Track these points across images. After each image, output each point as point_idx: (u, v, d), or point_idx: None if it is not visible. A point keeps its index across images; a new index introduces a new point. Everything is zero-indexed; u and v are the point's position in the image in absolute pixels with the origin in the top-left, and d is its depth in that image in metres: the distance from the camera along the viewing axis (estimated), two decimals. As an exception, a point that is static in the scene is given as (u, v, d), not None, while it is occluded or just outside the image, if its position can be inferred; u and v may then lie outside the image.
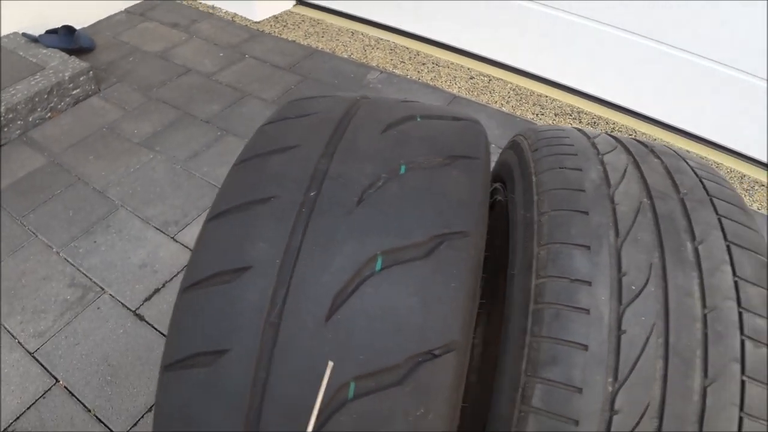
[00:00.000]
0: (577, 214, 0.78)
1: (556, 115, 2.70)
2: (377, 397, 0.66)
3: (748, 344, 0.70)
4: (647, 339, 0.69)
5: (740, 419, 0.66)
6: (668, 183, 0.86)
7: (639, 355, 0.68)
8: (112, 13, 3.15)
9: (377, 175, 0.79)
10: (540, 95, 2.81)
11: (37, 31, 2.78)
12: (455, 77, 2.85)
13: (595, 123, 2.70)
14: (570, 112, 2.73)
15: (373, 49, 3.01)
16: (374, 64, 2.88)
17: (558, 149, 0.91)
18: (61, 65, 2.53)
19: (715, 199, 0.85)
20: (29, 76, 2.44)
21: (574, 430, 0.66)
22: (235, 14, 3.19)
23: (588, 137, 0.97)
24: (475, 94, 2.76)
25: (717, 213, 0.83)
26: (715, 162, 2.61)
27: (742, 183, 2.49)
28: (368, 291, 0.69)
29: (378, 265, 0.70)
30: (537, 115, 2.69)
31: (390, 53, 2.98)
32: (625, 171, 0.86)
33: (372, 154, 0.83)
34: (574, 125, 2.66)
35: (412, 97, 2.71)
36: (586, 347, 0.68)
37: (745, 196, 2.46)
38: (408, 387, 0.66)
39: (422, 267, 0.71)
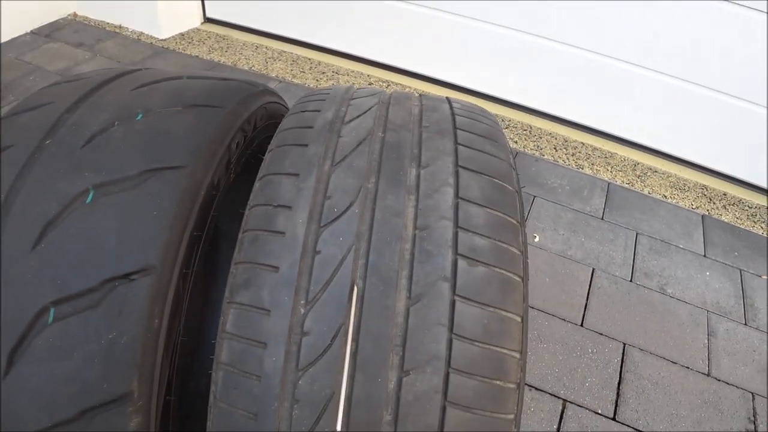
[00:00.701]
0: (296, 147, 0.80)
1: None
2: (73, 321, 0.67)
3: (462, 263, 0.69)
4: (343, 259, 0.68)
5: (450, 341, 0.65)
6: (411, 118, 0.87)
7: (332, 276, 0.67)
8: (18, 35, 3.15)
9: (111, 122, 0.82)
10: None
11: (-67, 54, 2.77)
12: (354, 83, 2.91)
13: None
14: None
15: (275, 61, 3.05)
16: (274, 75, 2.92)
17: (311, 98, 0.93)
18: (-47, 84, 2.52)
19: (459, 131, 0.85)
20: None
21: (263, 354, 0.65)
22: (141, 33, 3.22)
23: (360, 90, 0.99)
24: None
25: (456, 142, 0.82)
26: (610, 151, 2.68)
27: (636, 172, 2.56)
28: (73, 221, 0.71)
29: (89, 198, 0.72)
30: (434, 115, 2.74)
31: (292, 64, 3.03)
32: (368, 110, 0.88)
33: (114, 106, 0.86)
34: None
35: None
36: (276, 268, 0.68)
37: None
38: (103, 309, 0.68)
39: (128, 197, 0.73)
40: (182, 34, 3.23)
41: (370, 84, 2.91)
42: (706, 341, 1.94)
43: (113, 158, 0.76)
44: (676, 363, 1.84)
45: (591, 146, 2.72)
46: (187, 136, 0.80)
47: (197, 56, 3.06)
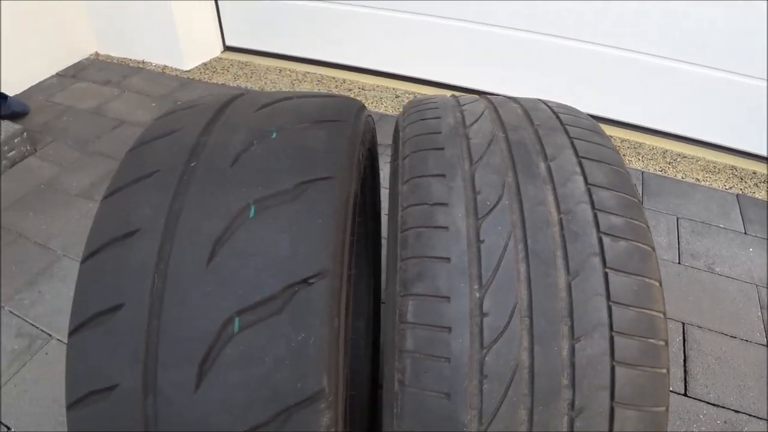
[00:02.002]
0: (433, 151, 0.86)
1: (481, 119, 2.82)
2: (260, 327, 0.71)
3: (606, 239, 0.77)
4: (506, 245, 0.75)
5: (609, 308, 0.72)
6: (523, 119, 0.95)
7: (499, 261, 0.74)
8: (44, 78, 3.21)
9: (249, 141, 0.87)
10: (464, 103, 2.93)
11: (-32, 102, 2.83)
12: (381, 98, 2.98)
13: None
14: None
15: (300, 82, 3.12)
16: (303, 95, 2.99)
17: (422, 106, 1.00)
18: (-6, 131, 2.58)
19: (568, 127, 0.94)
20: (-38, 144, 2.48)
21: (449, 338, 0.72)
22: (165, 66, 3.29)
23: (456, 97, 1.06)
24: (401, 110, 2.87)
25: (569, 136, 0.91)
26: (638, 141, 2.75)
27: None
28: (243, 234, 0.75)
29: (252, 212, 0.77)
30: (463, 121, 2.80)
31: (317, 84, 3.09)
32: (482, 114, 0.95)
33: (246, 126, 0.91)
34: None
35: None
36: (448, 259, 0.75)
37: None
38: (287, 314, 0.72)
39: (290, 208, 0.78)
40: (205, 64, 3.30)
41: (397, 97, 2.97)
42: (760, 314, 1.99)
43: (266, 174, 0.81)
44: (735, 337, 1.90)
45: (619, 138, 2.79)
46: (328, 149, 0.86)
47: (224, 84, 3.13)
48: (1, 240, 2.19)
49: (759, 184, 2.60)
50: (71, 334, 0.77)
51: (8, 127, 2.60)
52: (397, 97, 2.98)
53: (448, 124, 0.91)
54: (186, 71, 3.25)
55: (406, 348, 0.73)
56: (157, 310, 0.72)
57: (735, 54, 2.47)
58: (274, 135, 0.88)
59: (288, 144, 0.86)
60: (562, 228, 0.78)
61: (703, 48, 2.50)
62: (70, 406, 0.76)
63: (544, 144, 0.89)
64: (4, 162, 2.57)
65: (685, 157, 2.73)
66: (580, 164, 0.86)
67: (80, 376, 0.75)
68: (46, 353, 1.82)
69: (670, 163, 2.68)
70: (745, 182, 2.61)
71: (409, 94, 3.00)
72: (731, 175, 2.65)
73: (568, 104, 1.08)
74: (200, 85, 3.13)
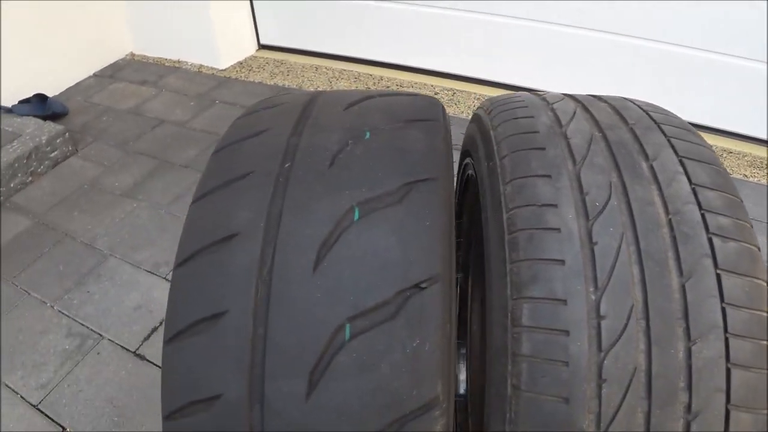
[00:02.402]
0: (535, 150, 0.83)
1: (522, 116, 2.79)
2: (373, 334, 0.69)
3: (716, 240, 0.75)
4: (619, 247, 0.73)
5: (723, 309, 0.70)
6: (616, 117, 0.92)
7: (614, 263, 0.72)
8: (82, 78, 3.23)
9: (344, 141, 0.85)
10: (504, 100, 2.90)
11: (10, 102, 2.85)
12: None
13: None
14: (535, 112, 2.82)
15: (338, 80, 3.11)
16: (341, 93, 2.97)
17: (510, 105, 0.97)
18: (37, 130, 2.59)
19: (662, 125, 0.91)
20: (7, 144, 2.49)
21: (566, 341, 0.70)
22: (201, 65, 3.29)
23: (538, 95, 1.04)
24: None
25: (666, 135, 0.89)
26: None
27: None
28: (350, 238, 0.73)
29: (356, 215, 0.75)
30: (504, 118, 2.77)
31: (355, 82, 3.08)
32: (575, 113, 0.92)
33: (338, 126, 0.89)
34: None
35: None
36: (562, 262, 0.72)
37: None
38: (401, 320, 0.69)
39: (397, 211, 0.75)
40: (240, 63, 3.30)
41: (436, 94, 2.95)
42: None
43: (367, 175, 0.79)
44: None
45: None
46: (426, 150, 0.83)
47: (261, 82, 3.12)
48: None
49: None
50: (168, 342, 0.75)
51: (50, 127, 2.62)
52: (436, 94, 2.95)
53: (544, 123, 0.89)
54: (222, 70, 3.24)
55: (521, 352, 0.70)
56: (263, 318, 0.70)
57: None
58: (368, 135, 0.85)
59: (384, 144, 0.84)
60: (672, 229, 0.76)
61: (750, 41, 2.45)
62: (168, 416, 0.74)
63: (643, 143, 0.86)
64: (46, 162, 2.59)
65: (731, 152, 2.68)
66: (682, 164, 0.84)
67: (179, 385, 0.74)
68: (98, 353, 1.82)
69: (717, 159, 2.62)
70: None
71: (447, 90, 2.97)
72: (771, 167, 2.59)
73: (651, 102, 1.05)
74: (237, 83, 3.13)
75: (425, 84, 3.03)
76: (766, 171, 2.58)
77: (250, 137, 0.91)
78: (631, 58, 2.69)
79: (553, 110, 0.94)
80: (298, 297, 0.70)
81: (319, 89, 3.03)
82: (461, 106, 2.86)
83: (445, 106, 1.02)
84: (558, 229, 0.75)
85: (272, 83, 3.11)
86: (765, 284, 0.76)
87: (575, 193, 0.78)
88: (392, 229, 0.74)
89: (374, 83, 3.06)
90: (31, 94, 2.88)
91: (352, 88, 3.03)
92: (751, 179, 2.52)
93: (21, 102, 2.86)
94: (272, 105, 1.01)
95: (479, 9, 2.77)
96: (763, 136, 2.69)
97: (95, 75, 3.28)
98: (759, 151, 2.68)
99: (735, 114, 2.69)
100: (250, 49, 3.39)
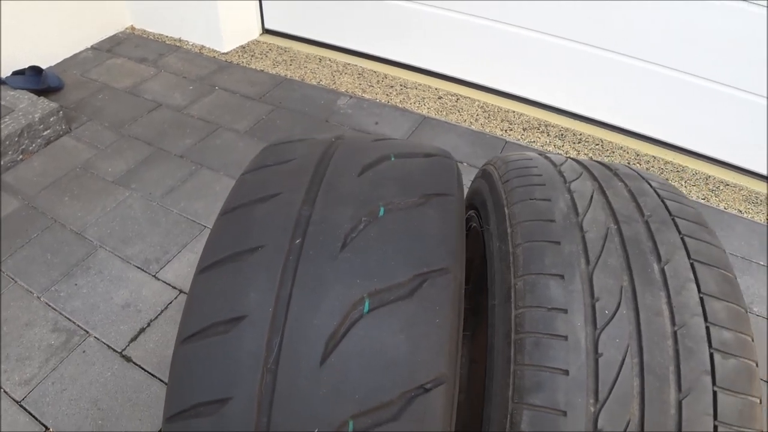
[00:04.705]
0: (550, 244, 0.83)
1: (524, 129, 2.77)
2: (375, 434, 0.70)
3: (717, 356, 0.75)
4: (623, 360, 0.74)
5: (715, 428, 0.72)
6: (632, 206, 0.92)
7: (616, 376, 0.73)
8: (79, 50, 3.15)
9: (358, 218, 0.83)
10: (507, 111, 2.88)
11: (3, 72, 2.77)
12: (424, 98, 2.92)
13: (562, 134, 2.78)
14: (537, 126, 2.81)
15: (341, 74, 3.06)
16: (343, 90, 2.93)
17: (528, 180, 0.96)
18: (30, 107, 2.53)
19: (677, 219, 0.91)
20: None
21: None
22: (203, 46, 3.22)
23: (554, 165, 1.03)
24: (444, 113, 2.82)
25: (680, 233, 0.88)
26: (681, 165, 2.71)
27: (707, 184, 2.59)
28: (358, 333, 0.73)
29: (365, 307, 0.74)
30: (505, 131, 2.76)
31: (358, 78, 3.03)
32: (592, 198, 0.91)
33: (351, 197, 0.87)
34: (543, 138, 2.74)
35: (382, 120, 2.77)
36: (566, 372, 0.73)
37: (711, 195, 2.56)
38: (404, 421, 0.70)
39: (407, 306, 0.75)
40: (243, 47, 3.23)
41: (440, 98, 2.92)
42: (798, 360, 1.98)
43: (379, 263, 0.78)
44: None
45: (663, 160, 2.74)
46: (440, 234, 0.82)
47: (263, 70, 3.06)
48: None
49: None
50: (168, 420, 0.75)
51: (44, 104, 2.56)
52: (440, 98, 2.92)
53: (561, 210, 0.88)
54: (224, 53, 3.18)
55: (518, 458, 0.71)
56: (266, 408, 0.71)
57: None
58: (383, 212, 0.84)
59: (398, 226, 0.83)
60: (676, 342, 0.77)
61: (750, 74, 2.44)
62: None
63: (657, 242, 0.86)
64: (38, 140, 2.53)
65: (727, 185, 2.68)
66: (693, 268, 0.84)
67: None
68: (84, 351, 1.81)
69: (712, 190, 2.63)
70: (787, 215, 2.58)
71: (451, 96, 2.94)
72: (775, 206, 2.61)
73: (665, 180, 1.05)
74: (238, 69, 3.07)
75: (429, 86, 3.00)
76: (765, 208, 2.60)
77: (261, 201, 0.89)
78: (639, 78, 2.67)
79: (570, 191, 0.93)
80: (304, 390, 0.70)
81: (320, 84, 2.98)
82: (464, 114, 2.83)
83: (459, 171, 1.00)
84: (565, 337, 0.75)
85: (274, 72, 3.06)
86: (758, 401, 0.77)
87: (586, 298, 0.78)
88: (401, 327, 0.73)
89: (378, 81, 3.02)
90: (26, 65, 2.81)
91: (355, 85, 2.99)
92: (745, 215, 2.54)
93: (15, 73, 2.79)
94: (283, 160, 0.99)
95: (492, 16, 2.73)
96: (760, 170, 2.70)
97: (93, 48, 3.19)
98: (755, 185, 2.70)
99: (733, 145, 2.70)
100: (254, 32, 3.32)
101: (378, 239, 0.81)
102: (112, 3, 3.21)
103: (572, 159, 1.08)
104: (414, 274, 0.77)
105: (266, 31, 3.36)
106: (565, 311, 0.76)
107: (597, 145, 2.77)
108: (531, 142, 2.72)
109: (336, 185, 0.90)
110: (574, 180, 0.96)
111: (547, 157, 1.07)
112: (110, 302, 1.96)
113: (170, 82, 2.99)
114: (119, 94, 2.89)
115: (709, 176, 2.71)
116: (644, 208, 0.92)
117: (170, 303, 1.96)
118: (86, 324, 1.89)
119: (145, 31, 3.35)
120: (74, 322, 1.90)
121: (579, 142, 2.77)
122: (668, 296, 0.80)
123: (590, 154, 2.71)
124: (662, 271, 0.82)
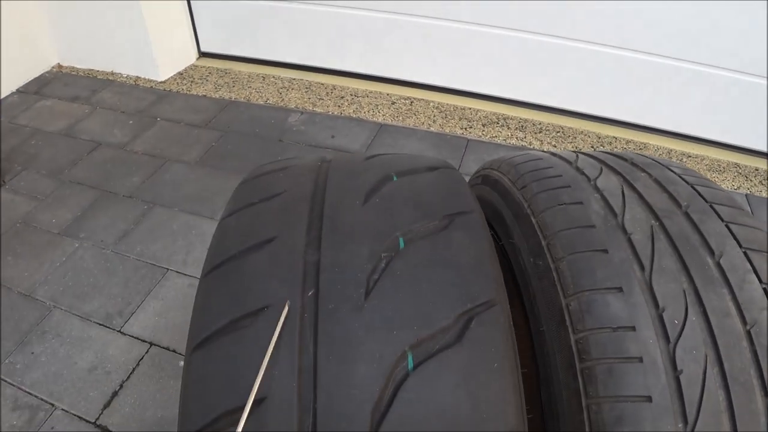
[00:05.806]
0: (597, 253, 0.73)
1: (483, 125, 2.71)
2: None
3: None
4: (704, 373, 0.66)
5: None
6: (666, 198, 0.84)
7: (701, 392, 0.65)
8: (4, 95, 2.91)
9: (377, 255, 0.71)
10: (464, 109, 2.81)
11: None
12: (377, 105, 2.82)
13: (522, 126, 2.73)
14: (496, 120, 2.75)
15: (288, 90, 2.92)
16: (293, 106, 2.80)
17: (548, 183, 0.87)
18: (-45, 164, 2.30)
19: (715, 206, 0.83)
20: None
21: None
22: (138, 77, 3.03)
23: (570, 162, 0.94)
24: (401, 119, 2.73)
25: (722, 220, 0.81)
26: (642, 142, 2.70)
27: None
28: (407, 396, 0.60)
29: (410, 363, 0.62)
30: (465, 129, 2.69)
31: (306, 92, 2.90)
32: (623, 194, 0.83)
33: (362, 231, 0.75)
34: (504, 132, 2.68)
35: (338, 132, 2.65)
36: (649, 398, 0.64)
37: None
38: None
39: (458, 353, 0.63)
40: (181, 74, 3.06)
41: (393, 104, 2.82)
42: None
43: (415, 306, 0.65)
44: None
45: (624, 139, 2.73)
46: (476, 260, 0.71)
47: (205, 95, 2.90)
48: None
49: (762, 182, 2.59)
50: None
51: (-29, 158, 2.33)
52: (394, 103, 2.83)
53: (597, 213, 0.79)
54: (161, 82, 2.99)
55: None
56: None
57: (737, 53, 2.44)
58: (402, 244, 0.73)
59: (425, 257, 0.71)
60: (752, 343, 0.69)
61: (704, 47, 2.46)
62: None
63: (704, 234, 0.78)
64: (-31, 199, 2.31)
65: (690, 156, 2.69)
66: (748, 257, 0.76)
67: None
68: (53, 427, 1.62)
69: (677, 163, 2.63)
70: (751, 180, 2.59)
71: (404, 99, 2.85)
72: (737, 174, 2.62)
73: (682, 164, 0.97)
74: (179, 97, 2.89)
75: (381, 93, 2.90)
76: (730, 175, 2.61)
77: (254, 250, 0.75)
78: (591, 61, 2.65)
79: (598, 190, 0.84)
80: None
81: (268, 103, 2.83)
82: (420, 117, 2.75)
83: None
84: (640, 359, 0.65)
85: (217, 96, 2.90)
86: None
87: (651, 309, 0.69)
88: (456, 381, 0.62)
89: (327, 93, 2.90)
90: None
91: (305, 99, 2.86)
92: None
93: (-67, 128, 2.55)
94: (268, 195, 0.85)
95: (438, 15, 2.66)
96: (720, 139, 2.72)
97: (19, 91, 2.95)
98: (716, 153, 2.72)
99: (692, 117, 2.71)
100: (191, 57, 3.15)
101: (406, 277, 0.69)
102: (35, 42, 2.98)
103: (582, 153, 1.00)
104: (458, 313, 0.66)
105: (203, 54, 3.20)
106: (633, 328, 0.67)
107: (558, 132, 2.73)
108: (493, 137, 2.66)
109: (340, 219, 0.77)
110: (597, 177, 0.88)
111: (557, 155, 0.98)
112: (74, 368, 1.77)
113: (107, 118, 2.78)
114: (53, 137, 2.67)
115: (671, 149, 2.71)
116: (678, 198, 0.84)
117: (141, 358, 1.79)
118: (50, 396, 1.70)
119: (73, 67, 3.13)
120: (36, 396, 1.70)
121: (540, 132, 2.72)
122: (732, 293, 0.72)
123: (553, 143, 2.67)
124: (719, 266, 0.74)
